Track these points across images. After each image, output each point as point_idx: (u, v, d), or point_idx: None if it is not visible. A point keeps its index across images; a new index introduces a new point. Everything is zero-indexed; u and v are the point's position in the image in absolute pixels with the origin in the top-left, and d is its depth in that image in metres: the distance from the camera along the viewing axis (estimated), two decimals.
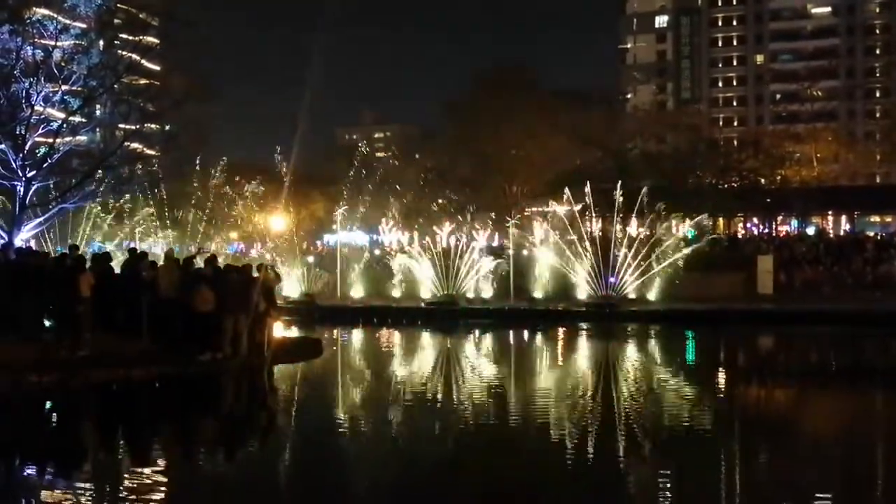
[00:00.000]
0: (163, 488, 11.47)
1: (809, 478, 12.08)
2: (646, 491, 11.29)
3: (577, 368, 24.30)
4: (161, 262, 23.17)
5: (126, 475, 12.00)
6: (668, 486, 11.50)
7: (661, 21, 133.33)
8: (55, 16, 31.34)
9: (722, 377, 22.81)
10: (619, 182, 38.37)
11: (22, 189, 30.40)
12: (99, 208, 39.19)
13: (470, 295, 38.11)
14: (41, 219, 33.13)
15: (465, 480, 12.00)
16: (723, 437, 14.78)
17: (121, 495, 10.99)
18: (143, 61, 34.83)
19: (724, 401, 19.00)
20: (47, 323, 20.63)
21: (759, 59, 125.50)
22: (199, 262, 23.51)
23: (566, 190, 40.14)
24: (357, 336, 32.62)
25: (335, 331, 32.70)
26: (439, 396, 18.52)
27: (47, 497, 11.07)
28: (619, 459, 12.93)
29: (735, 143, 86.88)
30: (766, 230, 67.00)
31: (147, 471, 12.26)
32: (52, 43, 30.81)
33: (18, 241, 29.94)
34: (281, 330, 24.22)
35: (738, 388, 21.14)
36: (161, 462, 13.11)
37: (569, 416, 16.43)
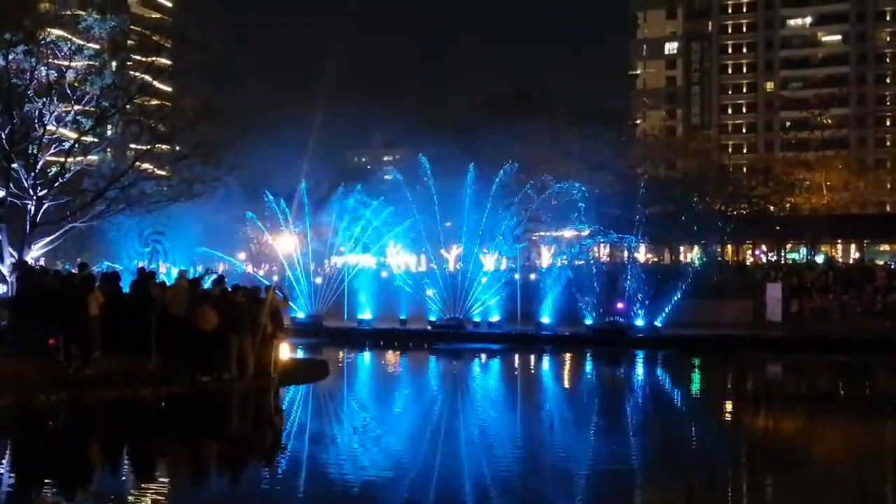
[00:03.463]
0: None
1: None
2: None
3: (585, 398, 24.23)
4: (171, 283, 23.28)
5: (130, 496, 12.01)
6: None
7: (672, 47, 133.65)
8: (69, 37, 31.57)
9: (732, 406, 22.71)
10: (629, 207, 38.38)
11: (33, 208, 30.53)
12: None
13: (477, 319, 38.06)
14: (51, 237, 33.23)
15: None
16: (742, 466, 14.74)
17: None
18: (155, 82, 35.04)
19: (736, 430, 18.93)
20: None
21: (770, 86, 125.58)
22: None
23: (574, 215, 40.16)
24: (363, 359, 32.59)
25: (341, 353, 32.68)
26: (444, 419, 18.49)
27: None
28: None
29: (745, 169, 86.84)
30: (775, 257, 66.85)
31: (150, 491, 12.27)
32: (66, 63, 31.01)
33: (28, 260, 30.03)
34: (287, 351, 24.22)
35: (750, 417, 21.03)
36: (163, 484, 13.11)
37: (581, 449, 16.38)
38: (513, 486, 12.99)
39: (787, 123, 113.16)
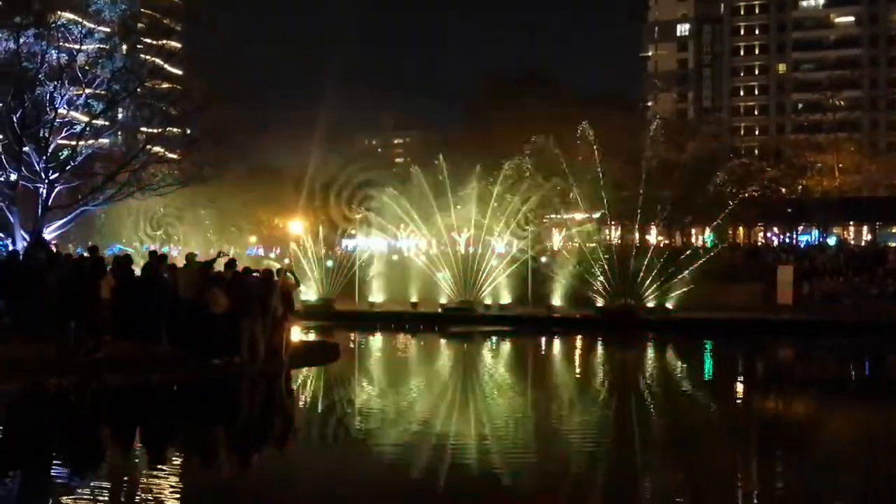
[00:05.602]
0: (175, 495, 11.54)
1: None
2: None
3: (593, 380, 24.23)
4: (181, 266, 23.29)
5: (140, 480, 12.08)
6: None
7: (683, 29, 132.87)
8: (80, 20, 31.61)
9: (743, 390, 22.70)
10: (639, 190, 38.29)
11: (44, 191, 30.64)
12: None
13: (488, 301, 38.07)
14: (63, 220, 33.34)
15: (482, 481, 11.99)
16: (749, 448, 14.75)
17: (136, 500, 11.08)
18: (165, 65, 35.08)
19: (747, 413, 18.93)
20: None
21: (781, 68, 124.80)
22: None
23: (586, 197, 40.12)
24: (374, 341, 32.65)
25: (352, 335, 32.74)
26: (453, 399, 18.52)
27: (67, 500, 11.14)
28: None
29: (756, 152, 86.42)
30: (787, 240, 66.65)
31: (160, 476, 12.34)
32: (77, 47, 31.06)
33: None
34: (298, 334, 24.29)
35: (758, 401, 21.01)
36: (175, 467, 13.18)
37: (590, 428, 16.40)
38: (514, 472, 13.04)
39: (799, 106, 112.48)
